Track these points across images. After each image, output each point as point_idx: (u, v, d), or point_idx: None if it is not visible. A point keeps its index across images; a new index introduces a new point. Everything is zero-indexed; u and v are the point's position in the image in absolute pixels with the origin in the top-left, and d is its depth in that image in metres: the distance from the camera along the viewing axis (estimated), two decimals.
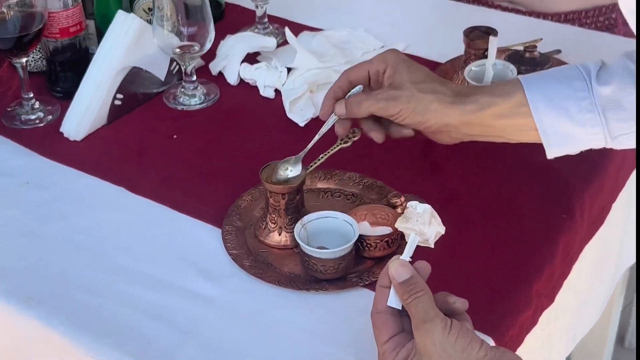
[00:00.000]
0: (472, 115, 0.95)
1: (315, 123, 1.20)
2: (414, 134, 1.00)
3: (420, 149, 1.15)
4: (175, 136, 1.22)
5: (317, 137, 1.01)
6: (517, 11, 1.56)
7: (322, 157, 1.04)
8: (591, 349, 1.59)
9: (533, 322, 0.96)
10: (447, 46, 1.38)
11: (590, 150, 1.06)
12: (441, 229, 0.80)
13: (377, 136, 1.00)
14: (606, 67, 0.92)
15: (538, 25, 1.45)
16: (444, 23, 1.46)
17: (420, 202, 0.81)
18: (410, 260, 0.78)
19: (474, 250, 0.99)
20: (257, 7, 1.41)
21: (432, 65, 1.34)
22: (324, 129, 1.01)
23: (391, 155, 1.14)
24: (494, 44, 1.20)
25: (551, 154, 0.96)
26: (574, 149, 0.95)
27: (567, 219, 1.04)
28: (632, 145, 0.92)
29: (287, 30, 1.31)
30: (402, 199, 1.02)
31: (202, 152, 1.18)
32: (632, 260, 1.35)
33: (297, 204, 1.01)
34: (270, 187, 1.00)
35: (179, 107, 1.27)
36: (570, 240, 1.04)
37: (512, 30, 1.32)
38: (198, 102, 1.28)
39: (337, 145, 1.04)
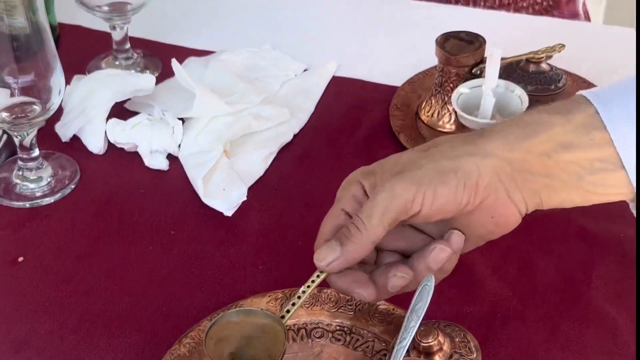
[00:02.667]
0: (524, 143, 0.57)
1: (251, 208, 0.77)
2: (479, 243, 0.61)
3: None
4: (20, 258, 0.74)
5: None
6: (447, 1, 1.20)
7: (302, 293, 0.60)
8: None
9: None
10: (394, 58, 0.99)
11: None
12: None
13: (366, 292, 0.59)
14: None
15: (475, 16, 1.09)
16: (377, 25, 1.06)
17: None
18: None
19: None
20: (113, 28, 0.94)
21: (385, 89, 0.93)
22: (406, 340, 0.58)
23: None
24: (495, 58, 0.81)
25: None
26: None
27: None
28: None
29: (174, 62, 0.86)
30: (442, 338, 0.61)
31: (67, 281, 0.72)
32: None
33: None
34: None
35: (16, 204, 0.79)
36: None
37: (443, 24, 0.94)
38: (46, 191, 0.80)
39: (312, 281, 0.60)
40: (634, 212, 0.62)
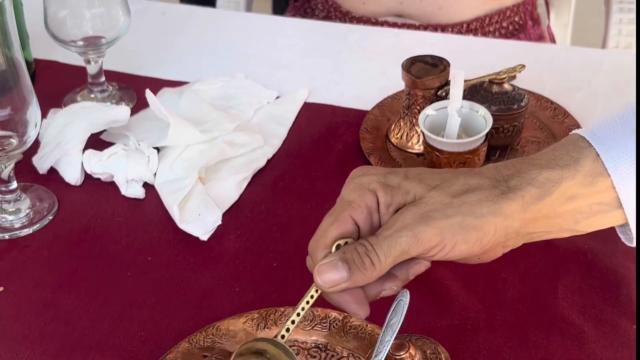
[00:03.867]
0: (538, 204, 0.58)
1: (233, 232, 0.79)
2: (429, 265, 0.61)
3: None
4: (0, 288, 0.75)
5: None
6: (410, 26, 1.23)
7: (302, 310, 0.60)
8: None
9: None
10: (364, 83, 1.02)
11: None
12: None
13: (395, 286, 0.60)
14: None
15: (440, 41, 1.12)
16: (346, 52, 1.09)
17: None
18: None
19: None
20: (88, 62, 0.96)
21: (355, 114, 0.96)
22: (381, 355, 0.59)
23: None
24: (459, 80, 0.84)
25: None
26: None
27: None
28: None
29: (148, 93, 0.88)
30: (413, 350, 0.63)
31: (47, 309, 0.73)
32: None
33: None
34: None
35: None
36: None
37: (411, 49, 0.97)
38: (25, 222, 0.81)
39: (311, 296, 0.60)
40: (621, 237, 0.64)
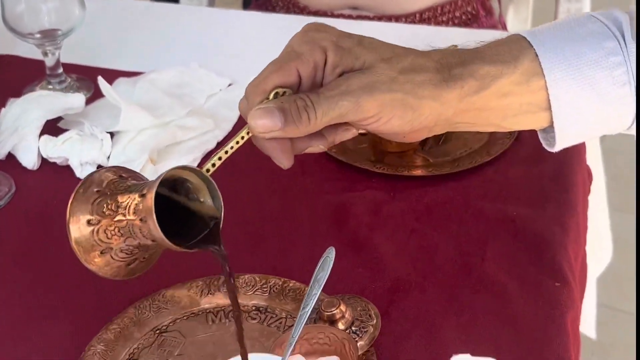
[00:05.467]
0: (474, 96, 0.61)
1: None
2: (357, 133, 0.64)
3: (335, 203, 0.82)
4: None
5: (301, 324, 0.62)
6: (365, 17, 1.28)
7: (231, 149, 0.62)
8: None
9: None
10: None
11: (551, 179, 0.83)
12: None
13: (322, 145, 0.63)
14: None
15: (392, 30, 1.16)
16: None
17: None
18: None
19: None
20: (45, 54, 1.00)
21: None
22: (308, 307, 0.62)
23: (292, 224, 0.79)
24: None
25: (560, 145, 0.65)
26: (587, 137, 0.67)
27: (561, 288, 0.74)
28: None
29: (100, 80, 0.92)
30: (344, 307, 0.67)
31: (4, 283, 0.77)
32: None
33: None
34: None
35: None
36: (575, 317, 0.74)
37: None
38: None
39: (241, 137, 0.62)
40: (543, 142, 0.67)
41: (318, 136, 0.62)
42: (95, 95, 1.01)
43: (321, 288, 0.64)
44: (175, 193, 0.60)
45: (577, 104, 0.62)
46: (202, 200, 0.61)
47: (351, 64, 0.60)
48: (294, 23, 1.23)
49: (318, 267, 0.65)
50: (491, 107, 0.62)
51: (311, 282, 0.65)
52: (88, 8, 0.99)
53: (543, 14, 1.64)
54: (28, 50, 1.04)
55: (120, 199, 0.59)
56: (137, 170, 0.84)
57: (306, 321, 0.64)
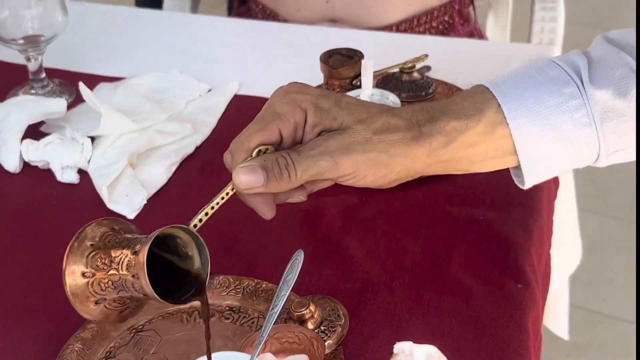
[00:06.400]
0: (441, 151, 0.65)
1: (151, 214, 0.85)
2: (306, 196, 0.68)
3: (308, 206, 0.85)
4: None
5: (270, 323, 0.65)
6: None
7: (217, 204, 0.66)
8: None
9: None
10: (292, 77, 1.08)
11: (516, 185, 0.83)
12: None
13: (302, 196, 0.67)
14: (597, 63, 0.67)
15: (370, 39, 1.19)
16: (278, 49, 1.16)
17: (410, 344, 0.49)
18: None
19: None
20: (28, 59, 1.02)
21: None
22: (277, 307, 0.65)
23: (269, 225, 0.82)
24: (368, 69, 0.91)
25: (530, 182, 0.68)
26: (556, 174, 0.70)
27: (524, 289, 0.77)
28: (625, 160, 0.68)
29: (81, 85, 0.95)
30: (313, 307, 0.70)
31: None
32: None
33: None
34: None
35: None
36: (536, 317, 0.77)
37: (338, 46, 1.04)
38: None
39: (226, 193, 0.65)
40: (515, 179, 0.70)
41: (298, 188, 0.66)
42: (77, 100, 1.03)
43: (290, 289, 0.67)
44: (165, 246, 0.64)
45: (542, 147, 0.65)
46: (190, 253, 0.65)
47: (329, 124, 0.65)
48: (274, 30, 1.27)
49: (287, 269, 0.68)
50: (459, 157, 0.66)
51: (280, 283, 0.68)
52: (70, 13, 1.02)
53: (522, 19, 1.68)
54: (11, 55, 1.07)
55: (113, 253, 0.63)
56: (117, 174, 0.87)
57: (277, 321, 0.66)
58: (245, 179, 0.63)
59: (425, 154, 0.65)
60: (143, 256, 0.60)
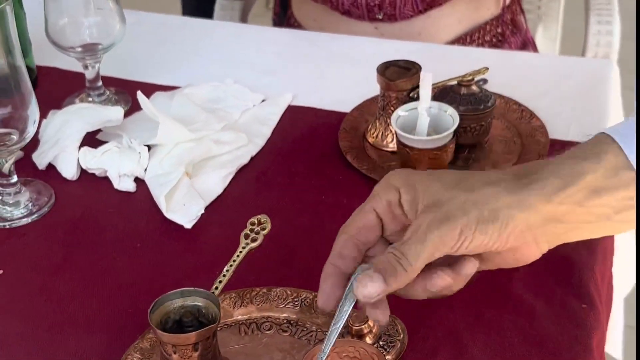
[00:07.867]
0: (561, 194, 0.60)
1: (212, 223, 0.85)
2: (477, 267, 0.64)
3: None
4: (0, 271, 0.82)
5: (332, 339, 0.64)
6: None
7: (227, 270, 0.72)
8: None
9: None
10: (347, 88, 1.08)
11: None
12: None
13: (383, 317, 0.64)
14: None
15: (418, 49, 1.17)
16: (330, 60, 1.15)
17: None
18: None
19: None
20: (86, 67, 1.03)
21: (336, 116, 1.02)
22: (340, 323, 0.63)
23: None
24: (427, 82, 0.90)
25: None
26: None
27: (588, 309, 0.75)
28: None
29: (139, 94, 0.95)
30: (372, 322, 0.69)
31: (42, 290, 0.79)
32: None
33: (212, 354, 0.66)
34: (169, 338, 0.64)
35: None
36: (600, 339, 0.75)
37: (391, 57, 1.03)
38: (24, 213, 0.88)
39: (244, 247, 0.74)
40: None
41: (428, 274, 0.63)
42: (133, 108, 1.04)
43: (352, 305, 0.66)
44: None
45: None
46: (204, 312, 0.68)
47: (422, 197, 0.63)
48: (325, 41, 1.27)
49: (350, 284, 0.67)
50: (587, 207, 0.61)
51: (343, 298, 0.67)
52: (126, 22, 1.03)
53: (573, 32, 1.66)
54: (68, 62, 1.08)
55: None
56: (174, 183, 0.87)
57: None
58: (368, 291, 0.60)
59: (541, 199, 0.60)
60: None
